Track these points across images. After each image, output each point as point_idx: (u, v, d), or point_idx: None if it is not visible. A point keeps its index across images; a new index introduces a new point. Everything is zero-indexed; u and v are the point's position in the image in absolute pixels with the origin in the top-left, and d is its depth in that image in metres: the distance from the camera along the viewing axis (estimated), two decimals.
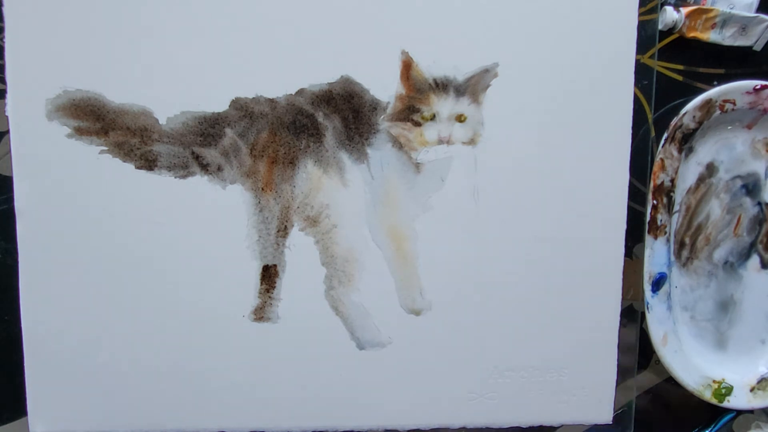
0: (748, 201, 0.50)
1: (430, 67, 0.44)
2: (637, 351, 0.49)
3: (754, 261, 0.51)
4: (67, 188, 0.43)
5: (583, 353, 0.47)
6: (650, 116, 0.48)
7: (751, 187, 0.50)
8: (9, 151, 0.43)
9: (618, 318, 0.47)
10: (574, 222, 0.46)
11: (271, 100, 0.44)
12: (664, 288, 0.48)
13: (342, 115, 0.44)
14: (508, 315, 0.46)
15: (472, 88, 0.44)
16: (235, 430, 0.47)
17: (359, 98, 0.44)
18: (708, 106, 0.47)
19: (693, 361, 0.49)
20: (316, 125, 0.44)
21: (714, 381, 0.50)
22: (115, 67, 0.42)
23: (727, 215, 0.50)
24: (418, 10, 0.43)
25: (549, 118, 0.45)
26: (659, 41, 0.47)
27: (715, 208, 0.50)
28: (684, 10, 0.47)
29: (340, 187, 0.45)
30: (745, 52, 0.49)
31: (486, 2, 0.43)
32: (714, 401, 0.49)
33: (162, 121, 0.43)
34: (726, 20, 0.47)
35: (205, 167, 0.44)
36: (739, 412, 0.52)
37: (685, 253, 0.50)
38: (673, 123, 0.46)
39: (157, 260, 0.44)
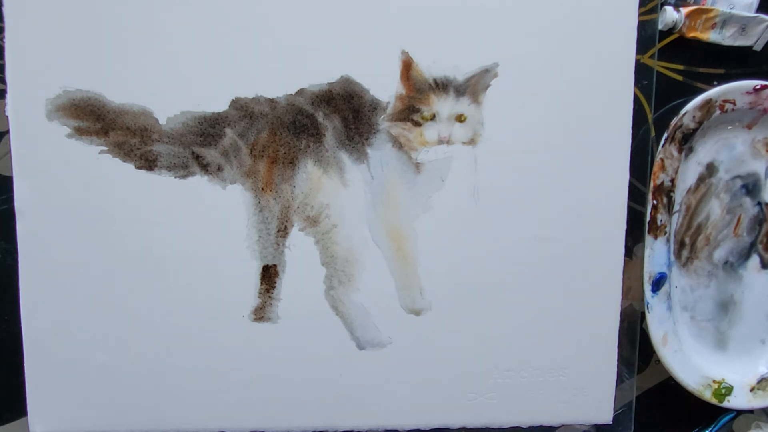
0: (748, 201, 0.50)
1: (430, 67, 0.44)
2: (637, 351, 0.49)
3: (754, 261, 0.51)
4: (67, 188, 0.43)
5: (583, 353, 0.47)
6: (650, 116, 0.48)
7: (751, 187, 0.50)
8: (9, 151, 0.43)
9: (618, 318, 0.47)
10: (574, 222, 0.46)
11: (271, 100, 0.44)
12: (664, 288, 0.48)
13: (342, 115, 0.44)
14: (508, 315, 0.46)
15: (472, 88, 0.44)
16: (235, 430, 0.47)
17: (359, 98, 0.44)
18: (708, 106, 0.47)
19: (693, 361, 0.49)
20: (316, 125, 0.44)
21: (714, 381, 0.50)
22: (115, 67, 0.42)
23: (727, 215, 0.50)
24: (418, 10, 0.43)
25: (549, 118, 0.45)
26: (659, 41, 0.47)
27: (715, 208, 0.50)
28: (684, 10, 0.47)
29: (340, 187, 0.45)
30: (745, 52, 0.49)
31: (486, 2, 0.43)
32: (714, 401, 0.49)
33: (162, 121, 0.43)
34: (726, 20, 0.47)
35: (205, 167, 0.44)
36: (739, 412, 0.52)
37: (685, 253, 0.50)
38: (673, 123, 0.46)
39: (157, 260, 0.44)
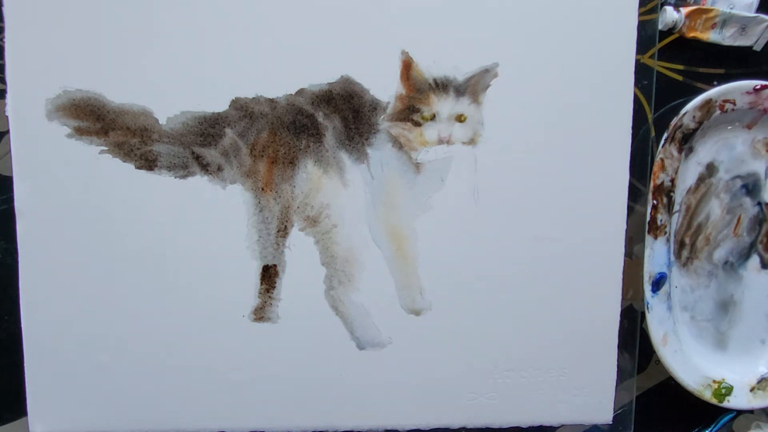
0: (748, 201, 0.50)
1: (430, 67, 0.44)
2: (637, 351, 0.49)
3: (754, 261, 0.51)
4: (67, 188, 0.43)
5: (583, 353, 0.47)
6: (650, 116, 0.48)
7: (751, 187, 0.50)
8: (9, 151, 0.43)
9: (618, 318, 0.47)
10: (574, 222, 0.46)
11: (271, 100, 0.44)
12: (664, 288, 0.48)
13: (342, 115, 0.44)
14: (508, 315, 0.46)
15: (472, 88, 0.44)
16: (235, 430, 0.47)
17: (359, 98, 0.44)
18: (708, 106, 0.47)
19: (693, 361, 0.49)
20: (316, 125, 0.44)
21: (714, 381, 0.50)
22: (115, 67, 0.42)
23: (727, 215, 0.50)
24: (418, 10, 0.43)
25: (549, 118, 0.45)
26: (659, 41, 0.47)
27: (715, 208, 0.50)
28: (684, 10, 0.47)
29: (340, 187, 0.45)
30: (745, 52, 0.49)
31: (486, 2, 0.43)
32: (714, 401, 0.49)
33: (162, 121, 0.43)
34: (726, 20, 0.47)
35: (205, 167, 0.44)
36: (739, 412, 0.52)
37: (685, 253, 0.50)
38: (673, 123, 0.46)
39: (157, 260, 0.44)
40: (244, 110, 0.44)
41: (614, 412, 0.49)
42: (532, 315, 0.46)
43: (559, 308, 0.46)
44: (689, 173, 0.49)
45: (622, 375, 0.48)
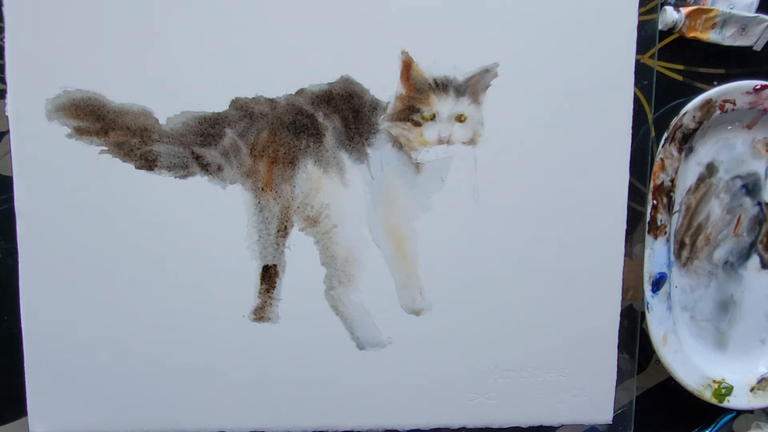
0: (748, 201, 0.50)
1: (430, 67, 0.44)
2: (637, 351, 0.49)
3: (754, 261, 0.51)
4: (67, 188, 0.43)
5: (583, 353, 0.47)
6: (650, 116, 0.48)
7: (751, 187, 0.50)
8: (9, 151, 0.43)
9: (618, 318, 0.47)
10: (574, 222, 0.46)
11: (271, 100, 0.44)
12: (664, 288, 0.48)
13: (342, 115, 0.44)
14: (508, 315, 0.46)
15: (472, 88, 0.44)
16: (235, 430, 0.47)
17: (359, 98, 0.44)
18: (708, 106, 0.47)
19: (693, 361, 0.49)
20: (316, 125, 0.44)
21: (714, 381, 0.50)
22: (115, 67, 0.42)
23: (727, 215, 0.50)
24: (418, 10, 0.43)
25: (549, 118, 0.45)
26: (659, 41, 0.47)
27: (715, 208, 0.50)
28: (684, 10, 0.47)
29: (340, 187, 0.45)
30: (745, 52, 0.49)
31: (486, 2, 0.43)
32: (714, 401, 0.49)
33: (162, 121, 0.43)
34: (726, 20, 0.47)
35: (205, 167, 0.44)
36: (739, 412, 0.52)
37: (685, 253, 0.50)
38: (673, 123, 0.46)
39: (157, 260, 0.44)
40: (244, 110, 0.44)
41: (614, 412, 0.49)
42: (532, 315, 0.46)
43: (559, 308, 0.46)
44: (689, 173, 0.49)
45: (622, 375, 0.48)
